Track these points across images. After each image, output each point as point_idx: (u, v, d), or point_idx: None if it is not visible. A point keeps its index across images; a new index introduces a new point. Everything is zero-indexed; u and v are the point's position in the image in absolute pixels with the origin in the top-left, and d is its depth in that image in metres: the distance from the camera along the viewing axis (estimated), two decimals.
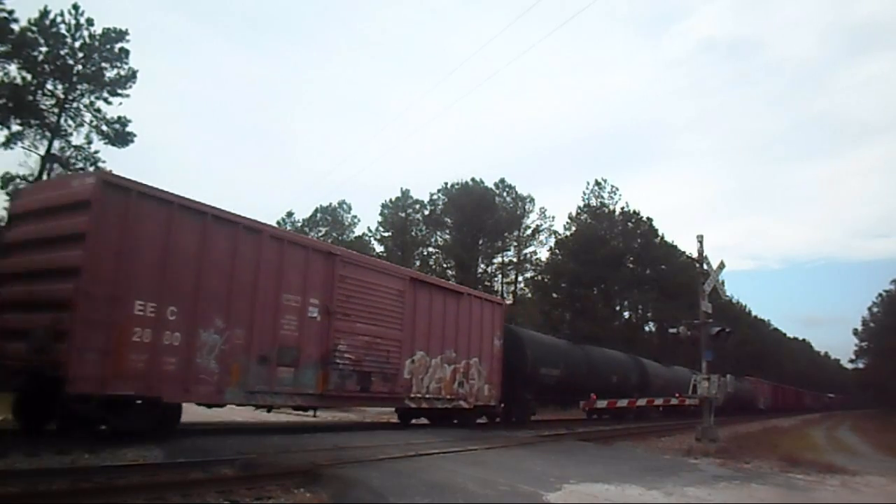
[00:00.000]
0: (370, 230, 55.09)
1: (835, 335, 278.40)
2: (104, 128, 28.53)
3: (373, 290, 11.75)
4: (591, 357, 22.19)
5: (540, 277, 48.49)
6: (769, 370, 63.91)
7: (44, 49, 26.84)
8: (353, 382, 11.11)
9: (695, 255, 15.72)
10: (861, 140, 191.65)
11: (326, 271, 10.76)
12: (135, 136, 29.15)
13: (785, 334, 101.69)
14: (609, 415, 22.61)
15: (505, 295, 50.29)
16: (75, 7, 27.70)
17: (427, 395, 13.06)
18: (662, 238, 52.31)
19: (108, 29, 28.47)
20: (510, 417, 16.95)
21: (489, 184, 49.33)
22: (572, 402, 22.53)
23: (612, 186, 51.91)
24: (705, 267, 15.46)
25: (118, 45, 28.55)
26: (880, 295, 74.03)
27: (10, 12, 25.02)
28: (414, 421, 14.83)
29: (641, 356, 29.76)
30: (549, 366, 18.27)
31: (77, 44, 27.73)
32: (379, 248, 54.15)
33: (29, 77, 26.56)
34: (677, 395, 23.27)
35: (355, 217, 57.72)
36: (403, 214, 52.90)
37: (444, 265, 48.79)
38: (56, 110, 27.59)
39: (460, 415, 14.47)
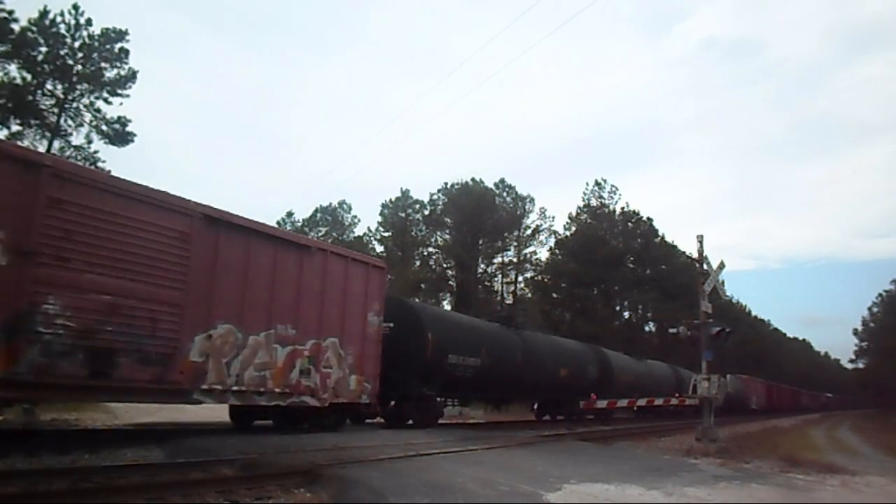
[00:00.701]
0: (370, 230, 55.19)
1: (835, 335, 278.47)
2: (104, 128, 28.55)
3: (124, 226, 7.94)
4: (531, 345, 17.97)
5: (540, 277, 48.55)
6: (769, 370, 63.91)
7: (44, 49, 26.85)
8: (75, 363, 7.34)
9: (695, 255, 15.70)
10: (861, 140, 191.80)
11: (23, 190, 7.09)
12: (135, 135, 29.19)
13: (785, 334, 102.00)
14: (564, 415, 20.43)
15: (505, 295, 50.48)
16: (75, 7, 27.73)
17: (237, 388, 9.23)
18: (662, 238, 52.46)
19: (108, 29, 28.50)
20: (403, 419, 13.58)
21: (489, 184, 49.49)
22: (506, 401, 19.74)
23: (612, 186, 52.11)
24: (705, 267, 15.44)
25: (118, 45, 28.58)
26: (880, 295, 74.28)
27: (10, 12, 25.06)
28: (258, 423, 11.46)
29: (641, 356, 28.30)
30: (463, 353, 14.51)
31: (77, 44, 27.75)
32: (379, 248, 54.20)
33: (29, 77, 26.58)
34: (678, 394, 23.02)
35: (355, 217, 57.84)
36: (403, 214, 52.94)
37: (444, 265, 48.83)
38: (56, 110, 27.60)
39: (309, 415, 10.79)
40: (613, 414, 22.11)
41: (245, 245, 9.58)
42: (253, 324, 9.60)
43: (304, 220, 56.46)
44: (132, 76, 28.90)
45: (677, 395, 23.11)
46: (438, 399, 14.68)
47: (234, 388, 9.24)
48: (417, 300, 17.96)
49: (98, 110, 28.44)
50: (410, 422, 13.52)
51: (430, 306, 16.70)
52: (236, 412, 11.16)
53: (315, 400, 10.62)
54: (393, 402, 13.55)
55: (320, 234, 55.51)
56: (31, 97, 26.57)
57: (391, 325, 12.93)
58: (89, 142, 28.54)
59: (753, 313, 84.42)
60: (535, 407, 21.50)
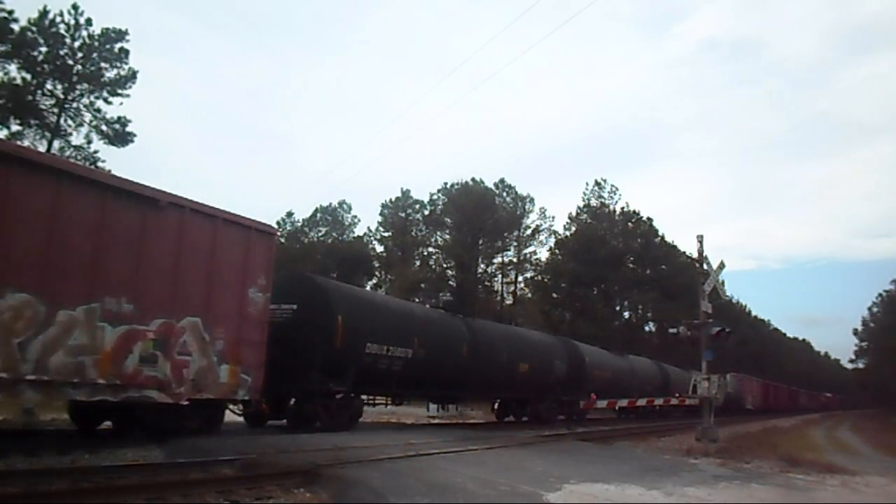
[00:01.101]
0: (370, 230, 55.29)
1: (835, 335, 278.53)
2: (104, 128, 28.64)
3: None
4: (481, 335, 15.68)
5: (540, 277, 48.60)
6: (769, 370, 63.94)
7: (43, 49, 26.92)
8: None
9: (695, 255, 15.70)
10: (861, 140, 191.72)
11: None
12: (135, 136, 29.32)
13: (785, 334, 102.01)
14: (528, 416, 18.54)
15: (505, 295, 50.57)
16: (75, 7, 27.82)
17: (37, 377, 7.07)
18: (662, 238, 52.52)
19: (108, 29, 28.62)
20: (308, 419, 11.05)
21: (489, 184, 49.63)
22: (451, 399, 17.32)
23: (612, 186, 52.24)
24: (705, 267, 15.43)
25: (118, 45, 28.68)
26: (880, 295, 74.17)
27: (10, 12, 25.13)
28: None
29: (622, 350, 26.55)
30: (388, 342, 12.28)
31: (77, 44, 27.83)
32: (379, 248, 54.26)
33: (29, 77, 26.64)
34: (678, 395, 22.78)
35: (355, 217, 57.88)
36: (403, 214, 53.05)
37: (444, 265, 48.87)
38: (56, 110, 27.67)
39: (164, 415, 8.57)
40: (587, 414, 20.27)
41: (53, 191, 7.39)
42: (65, 294, 7.40)
43: (304, 220, 56.57)
44: (132, 76, 29.00)
45: (677, 395, 22.87)
46: (354, 397, 12.16)
47: (32, 377, 7.01)
48: (329, 278, 14.30)
49: (98, 110, 28.57)
50: (318, 424, 11.05)
51: (345, 284, 13.78)
52: (77, 410, 9.14)
53: (165, 395, 8.32)
54: (294, 400, 11.37)
55: (320, 235, 55.54)
56: (31, 97, 26.64)
57: (294, 306, 11.05)
58: (89, 142, 28.69)
59: (753, 313, 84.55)
60: (496, 407, 19.55)
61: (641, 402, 20.88)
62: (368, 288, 47.85)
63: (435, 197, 50.49)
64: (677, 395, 22.73)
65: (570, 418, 19.38)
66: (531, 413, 18.51)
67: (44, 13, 27.01)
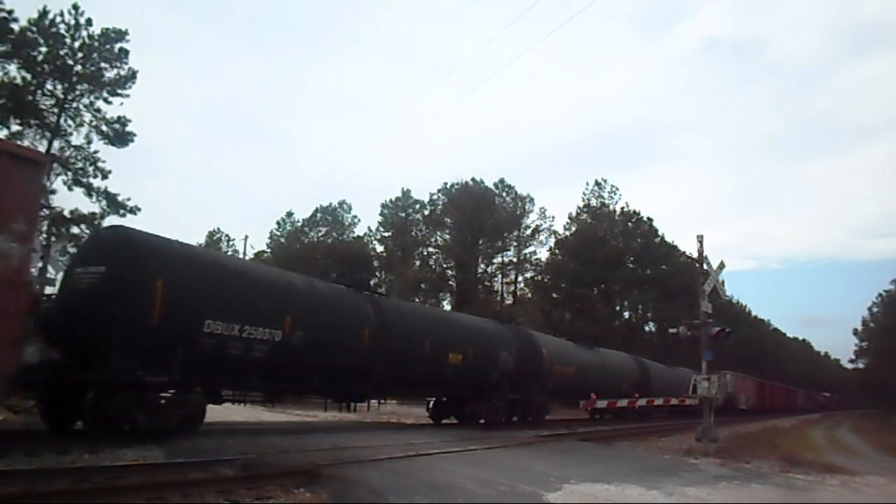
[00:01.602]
0: (370, 230, 55.23)
1: (835, 335, 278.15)
2: (104, 128, 28.58)
3: None
4: (392, 316, 12.84)
5: (540, 277, 48.63)
6: (769, 370, 63.91)
7: (43, 49, 26.89)
8: None
9: (695, 255, 15.71)
10: (861, 140, 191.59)
11: None
12: (135, 135, 29.24)
13: (785, 334, 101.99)
14: (468, 417, 15.63)
15: (505, 295, 50.58)
16: (75, 7, 27.77)
17: None
18: (662, 238, 52.54)
19: (108, 29, 28.55)
20: (112, 420, 8.24)
21: (489, 184, 49.66)
22: (350, 397, 13.53)
23: (612, 186, 52.29)
24: (705, 267, 15.45)
25: (118, 45, 28.62)
26: (880, 295, 74.15)
27: (10, 12, 25.08)
28: None
29: (591, 343, 24.05)
30: (240, 319, 9.36)
31: (77, 44, 27.79)
32: (379, 248, 54.22)
33: (29, 77, 26.61)
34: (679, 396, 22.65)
35: (355, 217, 57.76)
36: (403, 214, 53.02)
37: (444, 265, 48.87)
38: (56, 110, 27.63)
39: None
40: (546, 416, 18.04)
41: None
42: None
43: (304, 220, 56.53)
44: (132, 76, 28.94)
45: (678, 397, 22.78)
46: (192, 392, 9.22)
47: None
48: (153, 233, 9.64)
49: (98, 110, 28.50)
50: (139, 426, 8.33)
51: (177, 241, 9.74)
52: None
53: None
54: (91, 394, 8.53)
55: (320, 234, 55.52)
56: (31, 97, 26.60)
57: (101, 268, 8.49)
58: (89, 142, 28.61)
59: (753, 313, 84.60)
60: (431, 406, 16.76)
61: (641, 402, 20.89)
62: None
63: (435, 197, 50.58)
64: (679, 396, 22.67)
65: (522, 420, 16.76)
66: (470, 414, 15.65)
67: (44, 13, 26.99)
